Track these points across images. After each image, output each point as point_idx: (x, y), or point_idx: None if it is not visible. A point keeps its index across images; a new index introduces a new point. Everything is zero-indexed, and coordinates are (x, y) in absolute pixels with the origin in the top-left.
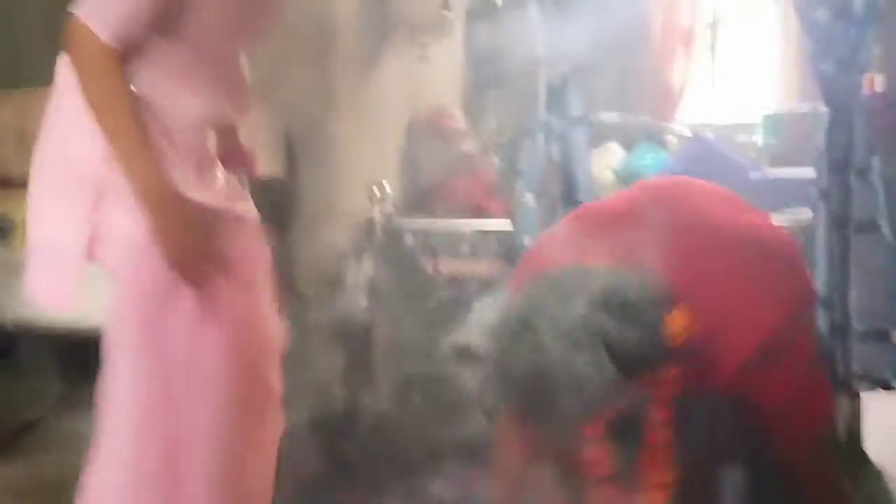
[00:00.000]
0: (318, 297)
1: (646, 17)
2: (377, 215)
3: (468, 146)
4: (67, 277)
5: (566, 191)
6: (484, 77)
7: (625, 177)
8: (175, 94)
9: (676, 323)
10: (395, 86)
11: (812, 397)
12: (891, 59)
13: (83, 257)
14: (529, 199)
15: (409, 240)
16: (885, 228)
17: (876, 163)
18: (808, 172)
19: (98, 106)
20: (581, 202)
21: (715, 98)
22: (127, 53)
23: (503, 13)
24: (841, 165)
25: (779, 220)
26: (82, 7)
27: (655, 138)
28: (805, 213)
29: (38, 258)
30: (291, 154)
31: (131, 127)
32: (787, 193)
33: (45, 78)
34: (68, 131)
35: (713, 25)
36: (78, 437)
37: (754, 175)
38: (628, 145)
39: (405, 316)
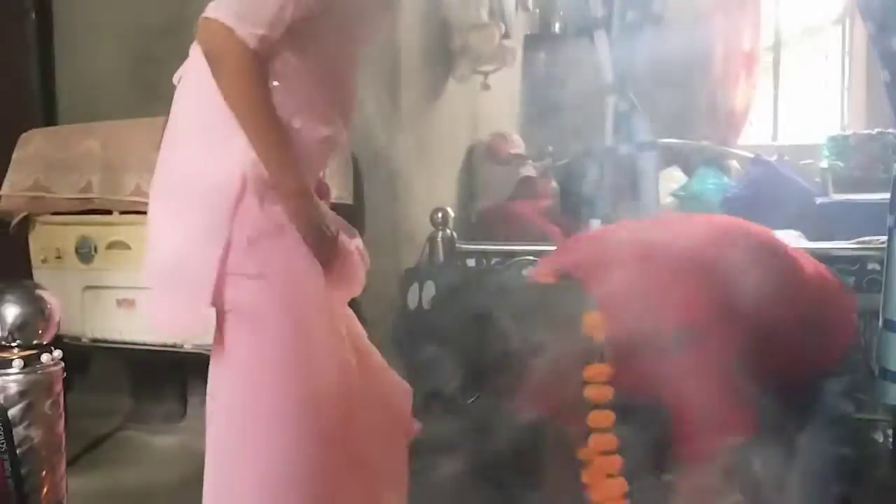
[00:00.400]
0: (381, 319)
1: (707, 42)
2: (439, 238)
3: (527, 170)
4: (198, 304)
5: (632, 217)
6: (543, 102)
7: (686, 201)
8: (303, 115)
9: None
10: (458, 112)
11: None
12: None
13: (214, 282)
14: (595, 225)
15: (470, 263)
16: None
17: None
18: (873, 196)
19: (244, 106)
20: None
21: (778, 120)
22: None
23: (561, 40)
24: None
25: (846, 246)
26: (223, 10)
27: (716, 162)
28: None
29: (163, 284)
30: (358, 179)
31: (278, 126)
32: (854, 217)
33: (124, 110)
34: (196, 147)
35: (775, 48)
36: (150, 450)
37: (819, 199)
38: (690, 170)
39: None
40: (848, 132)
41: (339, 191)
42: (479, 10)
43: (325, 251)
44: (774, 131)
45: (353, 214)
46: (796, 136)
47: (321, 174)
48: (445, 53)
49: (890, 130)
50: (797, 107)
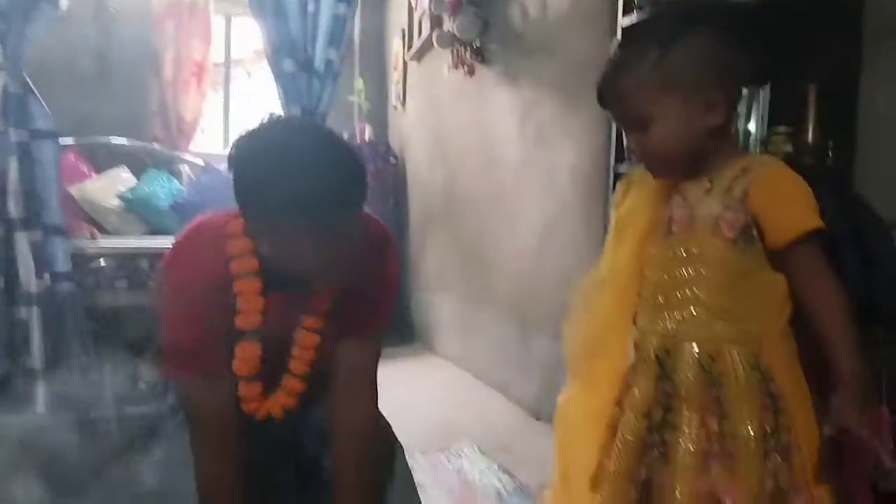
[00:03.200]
0: None
1: (158, 45)
2: None
3: None
4: None
5: (31, 212)
6: None
7: (134, 203)
8: None
9: None
10: None
11: None
12: (373, 111)
13: None
14: None
15: None
16: None
17: None
18: None
19: None
20: (56, 225)
21: (229, 132)
22: None
23: None
24: None
25: None
26: None
27: (167, 167)
28: None
29: None
30: None
31: None
32: None
33: None
34: None
35: (226, 63)
36: None
37: None
38: (138, 172)
39: None
40: None
41: None
42: None
43: None
44: (225, 141)
45: None
46: None
47: None
48: None
49: None
50: (247, 120)
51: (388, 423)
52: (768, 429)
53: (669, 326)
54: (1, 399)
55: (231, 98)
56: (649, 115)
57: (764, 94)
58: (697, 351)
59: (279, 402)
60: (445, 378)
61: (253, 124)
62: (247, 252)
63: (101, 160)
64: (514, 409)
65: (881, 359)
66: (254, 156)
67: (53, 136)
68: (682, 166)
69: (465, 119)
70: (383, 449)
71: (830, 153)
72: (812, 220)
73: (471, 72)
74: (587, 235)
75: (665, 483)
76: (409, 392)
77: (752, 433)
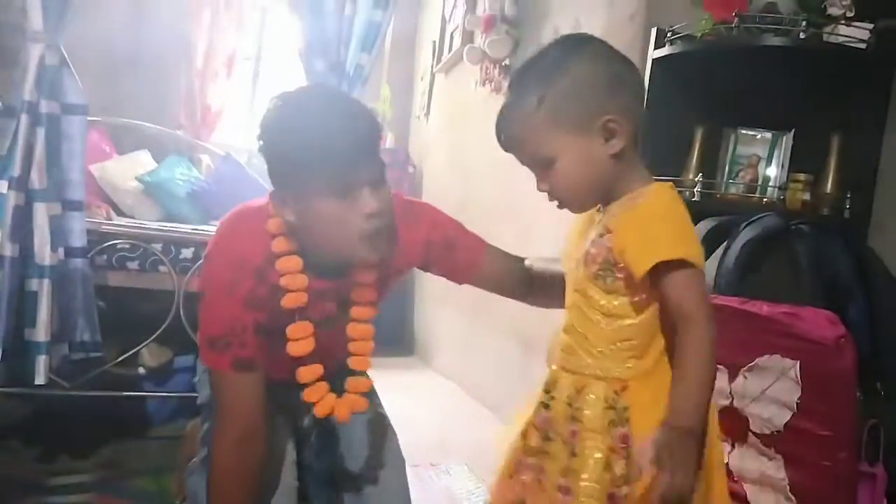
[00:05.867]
0: None
1: (189, 37)
2: None
3: None
4: None
5: (53, 184)
6: None
7: (151, 186)
8: None
9: None
10: None
11: None
12: (396, 119)
13: None
14: (2, 186)
15: None
16: None
17: None
18: None
19: None
20: (77, 200)
21: (253, 125)
22: None
23: None
24: None
25: None
26: None
27: (188, 154)
28: None
29: None
30: None
31: None
32: None
33: None
34: None
35: (256, 57)
36: None
37: None
38: (159, 157)
39: None
40: None
41: None
42: None
43: None
44: (248, 135)
45: None
46: None
47: None
48: None
49: None
50: None
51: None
52: (618, 473)
53: (559, 356)
54: (3, 369)
55: (258, 92)
56: (548, 156)
57: (787, 139)
58: (568, 384)
59: (347, 405)
60: (441, 394)
61: (273, 101)
62: (285, 231)
63: (124, 142)
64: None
65: (882, 413)
66: (290, 127)
67: (84, 111)
68: (595, 198)
69: (486, 135)
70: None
71: (847, 205)
72: (666, 252)
73: (497, 89)
74: None
75: None
76: (403, 404)
77: (590, 473)
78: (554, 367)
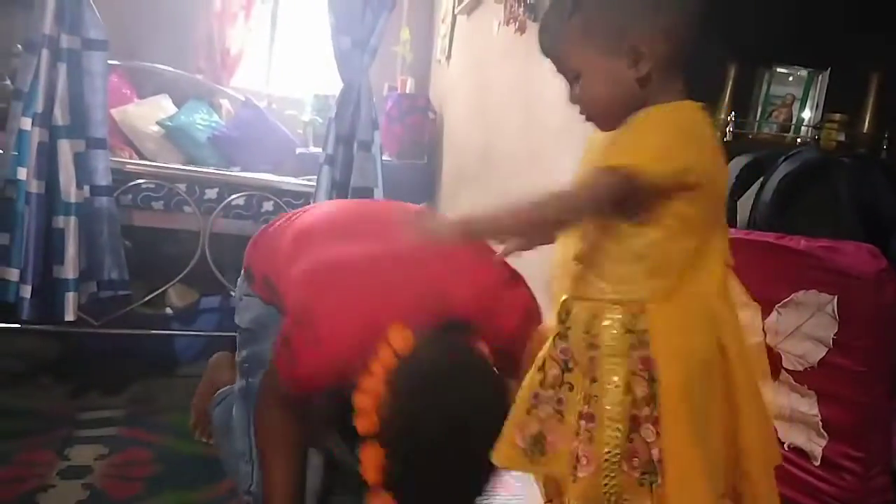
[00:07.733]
0: None
1: None
2: None
3: None
4: None
5: (76, 121)
6: None
7: (173, 131)
8: None
9: None
10: None
11: None
12: (417, 63)
13: None
14: (26, 123)
15: None
16: (379, 195)
17: (377, 137)
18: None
19: None
20: (100, 138)
21: (272, 70)
22: None
23: None
24: (346, 137)
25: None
26: None
27: (208, 99)
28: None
29: None
30: None
31: None
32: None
33: None
34: None
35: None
36: None
37: (299, 150)
38: (180, 102)
39: None
40: (329, 94)
41: None
42: None
43: None
44: (267, 79)
45: None
46: (286, 89)
47: None
48: None
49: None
50: (290, 61)
51: None
52: (639, 395)
53: (572, 286)
54: (33, 306)
55: (277, 35)
56: (575, 68)
57: (822, 79)
58: (582, 311)
59: None
60: None
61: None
62: None
63: (144, 86)
64: None
65: None
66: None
67: (104, 47)
68: (619, 118)
69: (509, 78)
70: None
71: (885, 145)
72: (616, 158)
73: (522, 30)
74: None
75: (557, 442)
76: None
77: (611, 397)
78: (564, 296)
